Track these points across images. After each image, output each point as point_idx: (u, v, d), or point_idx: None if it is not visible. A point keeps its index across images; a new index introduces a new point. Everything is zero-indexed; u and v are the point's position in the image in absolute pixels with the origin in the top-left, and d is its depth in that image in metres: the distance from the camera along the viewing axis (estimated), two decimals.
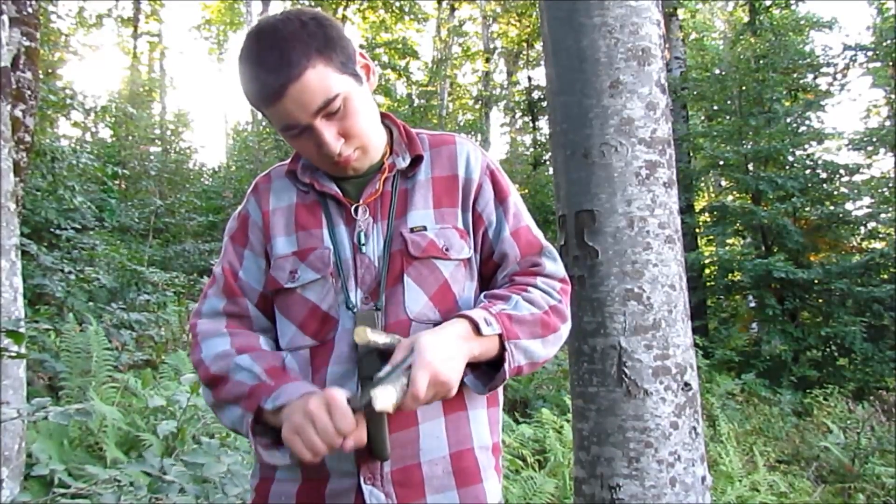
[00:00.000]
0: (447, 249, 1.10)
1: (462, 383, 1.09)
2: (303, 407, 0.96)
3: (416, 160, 1.16)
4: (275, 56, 1.00)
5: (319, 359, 1.08)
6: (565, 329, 1.15)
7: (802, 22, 13.89)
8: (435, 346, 0.97)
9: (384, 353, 1.02)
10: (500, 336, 1.04)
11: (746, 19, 14.46)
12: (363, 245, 1.10)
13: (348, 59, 1.06)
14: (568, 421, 4.27)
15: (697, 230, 11.80)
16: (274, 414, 1.01)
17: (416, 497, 1.04)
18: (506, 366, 1.04)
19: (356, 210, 1.12)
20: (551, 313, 1.11)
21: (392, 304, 1.07)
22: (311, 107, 1.01)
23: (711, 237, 12.06)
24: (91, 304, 5.94)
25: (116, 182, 10.40)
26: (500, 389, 1.18)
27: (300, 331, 1.09)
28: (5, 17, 3.03)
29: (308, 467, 1.06)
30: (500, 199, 1.18)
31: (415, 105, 16.39)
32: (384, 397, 0.91)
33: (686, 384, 1.74)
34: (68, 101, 7.70)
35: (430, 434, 1.06)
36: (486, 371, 1.08)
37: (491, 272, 1.17)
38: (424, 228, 1.11)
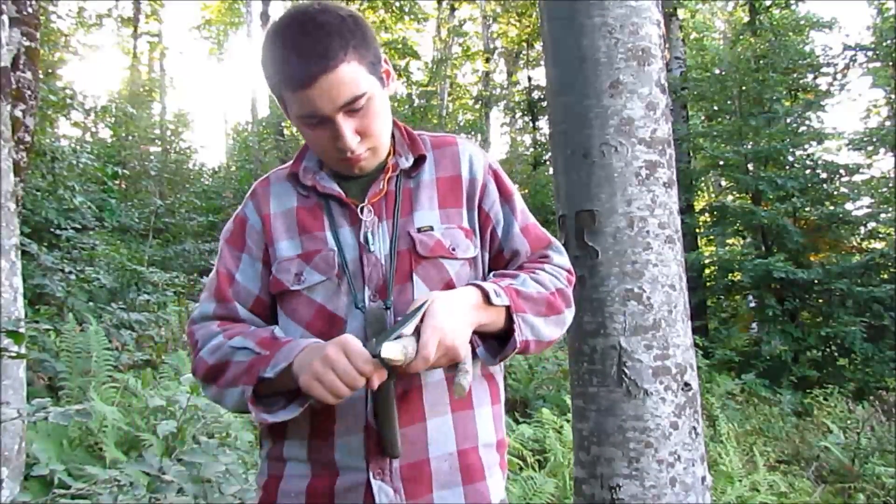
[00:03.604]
0: (454, 249, 1.12)
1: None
2: (320, 354, 0.97)
3: (419, 160, 1.18)
4: (311, 44, 1.01)
5: None
6: (569, 314, 1.17)
7: (802, 22, 13.87)
8: (445, 312, 0.99)
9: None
10: (508, 309, 1.06)
11: (746, 19, 14.46)
12: (370, 245, 1.11)
13: (377, 61, 1.08)
14: (568, 421, 4.27)
15: (697, 230, 11.79)
16: (279, 379, 1.02)
17: (423, 492, 1.06)
18: (516, 335, 1.06)
19: (361, 210, 1.13)
20: (557, 295, 1.14)
21: (401, 302, 1.08)
22: (338, 100, 1.03)
23: (711, 237, 12.07)
24: (91, 304, 5.93)
25: (116, 182, 10.38)
26: (502, 385, 1.21)
27: (307, 332, 1.10)
28: (5, 17, 3.03)
29: (317, 463, 1.08)
30: (506, 197, 1.20)
31: (415, 105, 16.36)
32: (390, 349, 0.93)
33: (686, 384, 1.74)
34: (68, 101, 7.70)
35: (439, 430, 1.08)
36: (493, 344, 1.10)
37: (501, 268, 1.20)
38: (431, 228, 1.13)
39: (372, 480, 1.04)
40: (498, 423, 1.17)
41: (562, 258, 1.21)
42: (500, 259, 1.19)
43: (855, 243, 11.64)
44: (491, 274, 1.16)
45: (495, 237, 1.18)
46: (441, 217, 1.14)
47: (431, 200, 1.15)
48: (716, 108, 12.78)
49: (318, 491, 1.07)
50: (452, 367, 1.02)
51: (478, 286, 1.06)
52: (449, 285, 1.10)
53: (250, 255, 1.16)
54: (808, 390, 8.23)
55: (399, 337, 0.95)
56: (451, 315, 0.99)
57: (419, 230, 1.12)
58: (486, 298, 1.05)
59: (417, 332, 0.97)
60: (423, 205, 1.14)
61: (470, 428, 1.10)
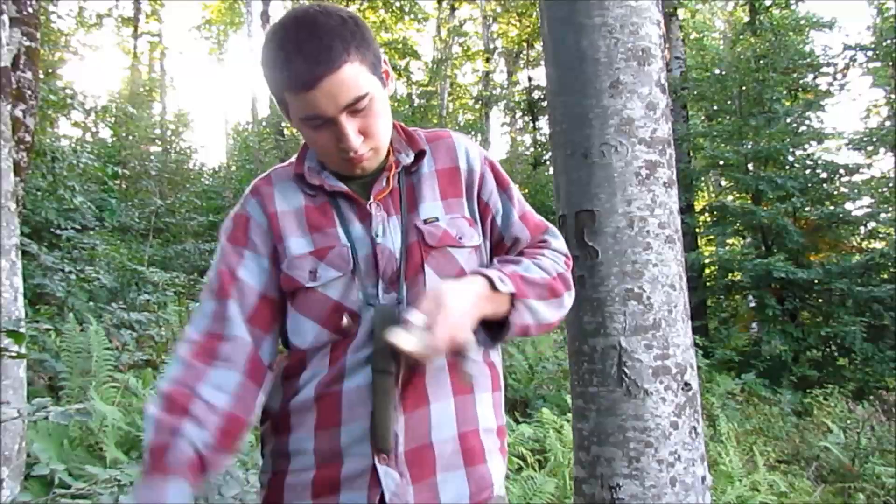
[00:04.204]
0: (460, 238, 1.15)
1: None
2: None
3: (419, 156, 1.20)
4: (315, 46, 1.01)
5: (339, 350, 1.09)
6: (569, 297, 1.21)
7: (802, 22, 13.87)
8: (455, 305, 1.01)
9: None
10: (512, 295, 1.09)
11: (746, 19, 14.47)
12: (383, 239, 1.12)
13: (377, 62, 1.09)
14: (568, 421, 4.27)
15: (697, 230, 11.78)
16: None
17: (427, 475, 1.07)
18: (511, 318, 1.09)
19: (370, 206, 1.14)
20: (558, 279, 1.18)
21: (413, 293, 1.10)
22: (341, 101, 1.03)
23: (711, 237, 12.05)
24: (91, 303, 5.93)
25: (116, 182, 10.38)
26: (501, 375, 1.23)
27: (323, 329, 1.10)
28: (5, 17, 3.03)
29: (322, 453, 1.08)
30: (503, 187, 1.24)
31: (415, 105, 16.38)
32: (403, 337, 0.96)
33: (686, 384, 1.74)
34: (68, 101, 7.69)
35: (441, 414, 1.09)
36: (492, 327, 1.12)
37: (503, 255, 1.22)
38: (437, 219, 1.15)
39: (378, 465, 1.05)
40: (498, 410, 1.19)
41: (559, 242, 1.25)
42: (501, 247, 1.23)
43: (855, 243, 11.63)
44: (495, 260, 1.19)
45: (495, 226, 1.21)
46: (444, 207, 1.16)
47: (433, 192, 1.17)
48: (716, 108, 12.78)
49: (324, 481, 1.08)
50: (454, 353, 1.04)
51: (483, 274, 1.08)
52: (460, 274, 1.12)
53: (255, 251, 1.14)
54: (808, 390, 8.22)
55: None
56: (461, 308, 1.01)
57: (425, 221, 1.14)
58: (492, 286, 1.07)
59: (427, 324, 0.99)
60: (425, 197, 1.17)
61: (470, 412, 1.12)
